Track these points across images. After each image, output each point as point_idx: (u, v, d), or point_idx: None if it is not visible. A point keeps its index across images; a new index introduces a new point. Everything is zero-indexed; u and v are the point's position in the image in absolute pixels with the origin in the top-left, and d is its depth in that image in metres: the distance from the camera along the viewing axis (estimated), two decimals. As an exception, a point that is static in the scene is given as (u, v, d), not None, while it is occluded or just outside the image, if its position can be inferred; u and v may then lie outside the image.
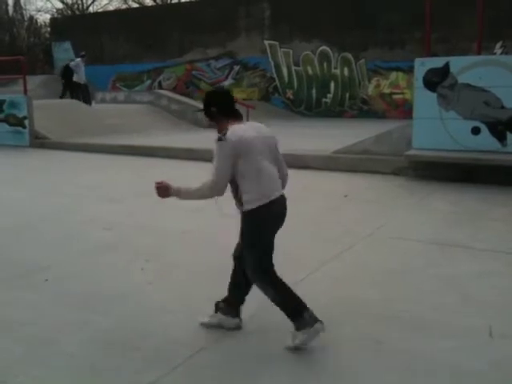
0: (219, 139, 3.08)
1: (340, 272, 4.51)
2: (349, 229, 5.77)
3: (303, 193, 7.40)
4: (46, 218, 6.58)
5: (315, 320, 3.15)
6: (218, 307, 3.48)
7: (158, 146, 12.33)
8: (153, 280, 4.39)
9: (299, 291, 4.09)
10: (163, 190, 3.27)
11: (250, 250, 3.19)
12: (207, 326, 3.48)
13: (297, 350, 3.15)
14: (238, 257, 3.35)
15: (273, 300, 3.22)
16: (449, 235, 5.48)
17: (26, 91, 14.64)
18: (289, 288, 3.23)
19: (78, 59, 18.31)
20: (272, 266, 3.26)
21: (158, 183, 3.28)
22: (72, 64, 18.13)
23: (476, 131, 8.04)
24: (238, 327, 3.44)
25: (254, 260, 3.19)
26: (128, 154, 12.05)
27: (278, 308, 3.22)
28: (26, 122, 14.25)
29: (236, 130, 3.11)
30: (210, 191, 3.13)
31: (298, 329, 3.15)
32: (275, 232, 3.27)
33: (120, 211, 6.78)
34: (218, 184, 3.10)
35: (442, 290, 4.11)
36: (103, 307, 3.89)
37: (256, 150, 3.11)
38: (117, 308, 3.88)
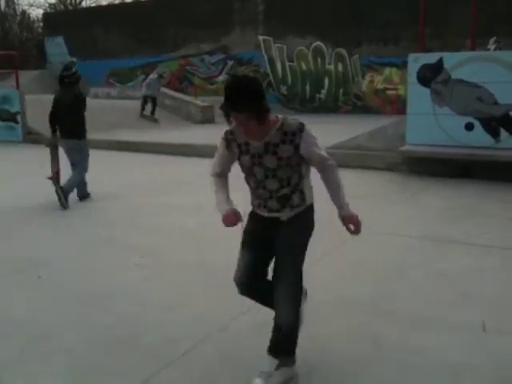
0: (302, 124, 2.76)
1: (334, 268, 4.52)
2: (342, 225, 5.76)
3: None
4: (40, 214, 6.55)
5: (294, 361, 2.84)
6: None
7: (154, 141, 12.31)
8: (149, 277, 4.39)
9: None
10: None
11: (303, 248, 2.87)
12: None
13: None
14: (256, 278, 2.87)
15: (291, 318, 2.72)
16: (443, 231, 5.50)
17: (18, 86, 14.57)
18: None
19: (154, 76, 17.66)
20: None
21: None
22: (150, 78, 17.49)
23: (470, 127, 8.07)
24: None
25: (301, 263, 2.84)
26: (124, 149, 12.03)
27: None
28: (19, 117, 14.19)
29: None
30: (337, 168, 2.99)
31: (280, 365, 2.75)
32: None
33: (117, 207, 6.76)
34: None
35: (438, 285, 4.13)
36: (101, 304, 3.89)
37: None
38: (115, 305, 3.87)
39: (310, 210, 2.96)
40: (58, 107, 7.11)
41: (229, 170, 2.95)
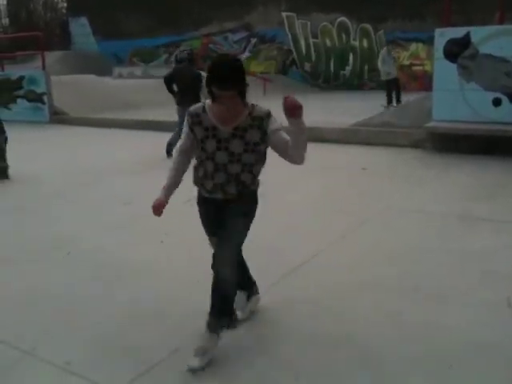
0: (269, 114, 2.81)
1: (357, 247, 4.53)
2: (367, 202, 5.77)
3: (322, 166, 7.39)
4: (66, 192, 6.69)
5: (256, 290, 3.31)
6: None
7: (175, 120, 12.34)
8: (173, 253, 4.47)
9: (318, 264, 4.15)
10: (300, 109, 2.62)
11: (245, 229, 2.94)
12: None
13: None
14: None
15: (232, 279, 2.89)
16: (468, 208, 5.45)
17: (44, 67, 14.71)
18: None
19: (385, 50, 14.30)
20: None
21: None
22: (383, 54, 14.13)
23: (497, 102, 7.92)
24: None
25: (242, 240, 2.96)
26: (147, 128, 12.11)
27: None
28: (45, 98, 14.37)
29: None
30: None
31: (248, 297, 3.25)
32: None
33: (138, 186, 6.85)
34: None
35: (462, 263, 4.11)
36: (128, 279, 3.98)
37: None
38: (141, 280, 3.96)
39: (257, 192, 3.02)
40: (179, 80, 8.58)
41: (192, 150, 2.94)
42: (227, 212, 2.89)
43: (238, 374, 2.78)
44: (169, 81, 8.67)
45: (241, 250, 3.05)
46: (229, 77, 2.59)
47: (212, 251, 2.96)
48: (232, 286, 2.92)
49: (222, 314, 2.90)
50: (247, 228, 2.93)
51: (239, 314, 3.13)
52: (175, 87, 8.74)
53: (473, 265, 4.06)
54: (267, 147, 2.85)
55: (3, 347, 3.09)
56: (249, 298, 3.31)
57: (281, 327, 3.20)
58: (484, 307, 3.39)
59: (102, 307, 3.54)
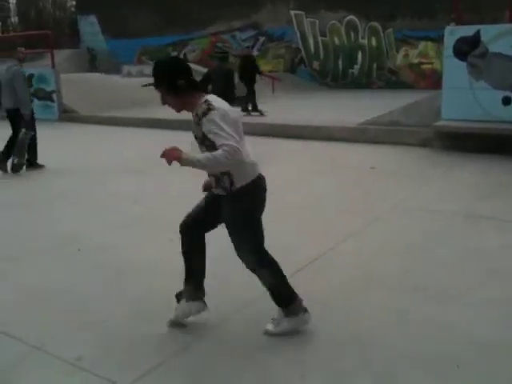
0: (209, 109, 2.72)
1: (365, 244, 4.53)
2: (375, 201, 5.76)
3: (330, 165, 7.39)
4: (75, 190, 6.72)
5: (304, 310, 3.07)
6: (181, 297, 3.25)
7: (184, 119, 12.36)
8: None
9: (324, 263, 4.15)
10: (173, 150, 2.70)
11: (242, 231, 2.96)
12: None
13: (273, 336, 3.06)
14: (191, 226, 3.16)
15: (268, 283, 3.03)
16: (475, 207, 5.44)
17: (53, 65, 14.78)
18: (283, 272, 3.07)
19: None
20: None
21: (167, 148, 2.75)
22: None
23: (507, 101, 7.88)
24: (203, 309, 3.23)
25: (248, 242, 2.96)
26: (156, 127, 12.14)
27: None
28: (55, 96, 14.44)
29: (219, 101, 2.82)
30: (233, 157, 2.64)
31: (286, 315, 3.04)
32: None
33: (147, 184, 6.88)
34: (238, 148, 2.65)
35: (467, 261, 4.11)
36: (136, 277, 4.00)
37: (240, 128, 2.86)
38: (149, 278, 3.98)
39: (244, 190, 2.90)
40: (215, 76, 8.86)
41: None
42: (219, 206, 3.04)
43: (242, 372, 2.79)
44: (204, 81, 8.73)
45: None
46: (153, 76, 2.87)
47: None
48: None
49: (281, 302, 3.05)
50: (240, 232, 3.00)
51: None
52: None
53: (478, 263, 4.05)
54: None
55: (12, 342, 3.12)
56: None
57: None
58: (487, 305, 3.39)
59: (110, 305, 3.57)
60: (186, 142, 10.01)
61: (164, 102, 2.90)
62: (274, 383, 2.70)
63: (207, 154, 2.71)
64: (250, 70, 13.14)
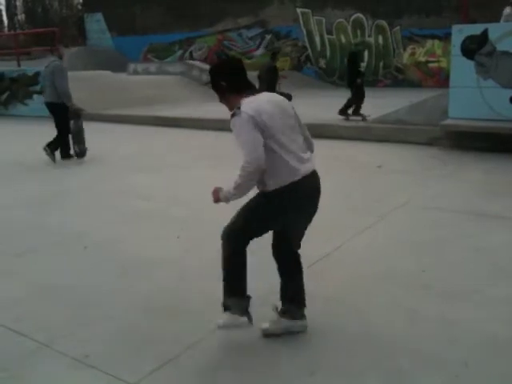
0: (233, 114, 2.75)
1: (374, 242, 4.53)
2: (382, 199, 5.76)
3: (336, 163, 7.39)
4: (83, 187, 6.75)
5: (243, 312, 2.95)
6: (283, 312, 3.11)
7: (191, 117, 12.40)
8: (189, 248, 4.50)
9: (333, 260, 4.16)
10: (214, 193, 2.96)
11: (246, 217, 2.94)
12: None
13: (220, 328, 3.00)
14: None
15: (222, 263, 3.01)
16: (483, 206, 5.42)
17: (60, 63, 14.80)
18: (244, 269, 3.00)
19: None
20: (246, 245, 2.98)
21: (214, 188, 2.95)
22: None
23: (515, 100, 7.84)
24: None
25: (241, 224, 2.93)
26: (162, 125, 12.16)
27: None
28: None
29: (250, 102, 2.78)
30: (249, 174, 2.71)
31: (225, 309, 2.97)
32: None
33: (155, 182, 6.90)
34: (253, 159, 2.67)
35: (476, 259, 4.10)
36: (143, 273, 4.02)
37: (276, 126, 2.78)
38: (156, 274, 3.99)
39: (275, 194, 2.83)
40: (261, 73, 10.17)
41: None
42: None
43: (252, 369, 2.79)
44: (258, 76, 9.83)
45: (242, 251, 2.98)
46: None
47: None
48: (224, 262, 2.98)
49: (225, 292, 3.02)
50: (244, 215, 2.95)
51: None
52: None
53: (487, 261, 4.05)
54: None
55: (22, 339, 3.14)
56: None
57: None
58: (497, 303, 3.39)
59: (119, 302, 3.58)
60: (193, 140, 9.97)
61: (220, 100, 2.97)
62: (284, 381, 2.71)
63: (234, 183, 2.78)
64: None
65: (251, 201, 2.96)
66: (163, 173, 7.33)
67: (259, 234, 2.98)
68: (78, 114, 8.41)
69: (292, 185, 2.80)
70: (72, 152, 8.52)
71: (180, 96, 16.73)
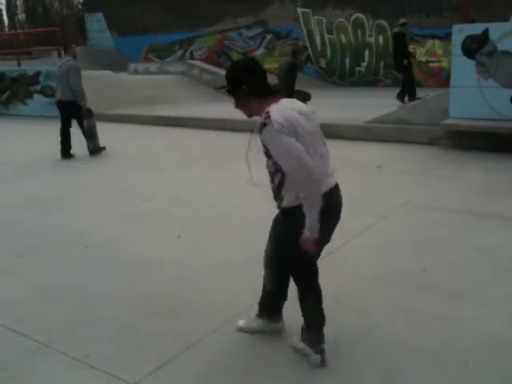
0: (264, 125, 2.48)
1: (374, 242, 4.53)
2: (383, 199, 5.75)
3: (336, 163, 7.35)
4: (83, 186, 6.75)
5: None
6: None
7: (191, 116, 12.40)
8: (189, 248, 4.49)
9: (333, 260, 4.14)
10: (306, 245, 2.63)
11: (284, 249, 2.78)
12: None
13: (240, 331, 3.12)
14: None
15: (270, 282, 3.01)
16: (484, 205, 5.42)
17: (61, 63, 14.80)
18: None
19: None
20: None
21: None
22: None
23: (515, 100, 7.84)
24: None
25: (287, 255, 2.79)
26: (163, 124, 12.16)
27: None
28: (61, 94, 14.45)
29: (279, 111, 2.53)
30: (310, 183, 2.48)
31: (259, 315, 3.07)
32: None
33: (155, 181, 6.89)
34: (303, 165, 2.46)
35: (477, 259, 4.10)
36: (143, 273, 4.01)
37: (306, 137, 2.55)
38: (156, 274, 3.99)
39: (291, 212, 2.65)
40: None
41: None
42: None
43: (252, 369, 2.79)
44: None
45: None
46: (225, 79, 2.68)
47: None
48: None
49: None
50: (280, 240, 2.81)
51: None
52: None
53: (488, 261, 4.04)
54: None
55: (22, 339, 3.14)
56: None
57: (296, 323, 3.20)
58: (497, 303, 3.38)
59: (119, 302, 3.58)
60: (194, 139, 9.95)
61: (236, 106, 2.71)
62: (284, 381, 2.71)
63: (305, 207, 2.51)
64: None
65: (280, 227, 2.79)
66: (163, 172, 7.33)
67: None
68: (91, 113, 8.65)
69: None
70: (72, 152, 8.59)
71: (180, 96, 16.72)
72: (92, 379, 2.75)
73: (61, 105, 8.71)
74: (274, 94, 2.65)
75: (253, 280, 3.49)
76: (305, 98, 10.33)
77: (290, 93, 9.50)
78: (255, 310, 3.15)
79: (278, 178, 2.63)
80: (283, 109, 2.56)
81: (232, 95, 2.68)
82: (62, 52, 9.17)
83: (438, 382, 2.65)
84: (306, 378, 2.71)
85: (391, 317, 3.27)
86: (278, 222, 2.84)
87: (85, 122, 8.59)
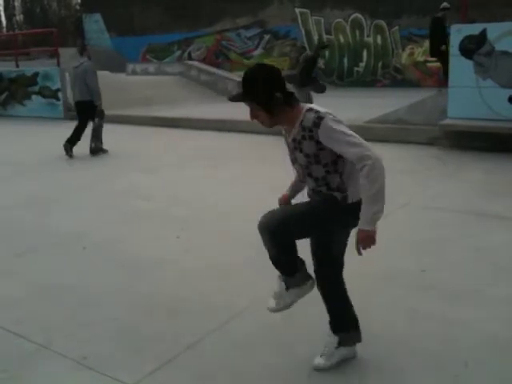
0: (319, 119, 2.38)
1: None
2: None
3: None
4: (83, 187, 6.74)
5: (307, 278, 2.76)
6: None
7: (190, 117, 12.39)
8: (189, 248, 4.49)
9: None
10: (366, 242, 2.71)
11: (298, 222, 2.61)
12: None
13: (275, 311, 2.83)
14: None
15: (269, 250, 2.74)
16: (484, 205, 5.42)
17: (58, 63, 14.80)
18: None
19: None
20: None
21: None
22: None
23: (513, 100, 7.85)
24: None
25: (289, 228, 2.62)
26: (161, 125, 12.16)
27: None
28: (60, 95, 14.45)
29: (318, 109, 2.47)
30: (380, 168, 2.38)
31: (289, 286, 2.72)
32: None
33: (154, 182, 6.89)
34: (372, 149, 2.36)
35: (477, 259, 4.10)
36: (143, 273, 4.01)
37: None
38: (156, 274, 3.99)
39: (354, 208, 2.61)
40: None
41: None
42: None
43: (251, 369, 2.79)
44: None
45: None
46: (242, 87, 2.46)
47: None
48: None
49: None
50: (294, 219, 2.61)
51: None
52: None
53: (488, 261, 4.05)
54: (339, 156, 2.47)
55: (20, 340, 3.13)
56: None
57: (295, 324, 3.21)
58: (498, 303, 3.39)
59: (118, 302, 3.58)
60: (192, 140, 9.95)
61: (253, 117, 2.47)
62: (284, 381, 2.71)
63: (368, 199, 2.46)
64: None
65: (316, 209, 2.63)
66: (163, 173, 7.33)
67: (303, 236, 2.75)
68: (103, 115, 8.95)
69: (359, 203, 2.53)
70: (72, 152, 8.65)
71: (178, 96, 16.70)
72: (92, 380, 2.75)
73: (79, 106, 9.00)
74: (297, 101, 2.52)
75: (253, 280, 3.50)
76: (321, 89, 10.17)
77: (303, 84, 9.47)
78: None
79: (336, 181, 2.53)
80: (319, 108, 2.49)
81: (252, 105, 2.45)
82: (78, 54, 9.52)
83: (438, 381, 2.65)
84: (305, 379, 2.70)
85: (391, 317, 3.27)
86: (322, 220, 2.71)
87: (95, 121, 8.87)
